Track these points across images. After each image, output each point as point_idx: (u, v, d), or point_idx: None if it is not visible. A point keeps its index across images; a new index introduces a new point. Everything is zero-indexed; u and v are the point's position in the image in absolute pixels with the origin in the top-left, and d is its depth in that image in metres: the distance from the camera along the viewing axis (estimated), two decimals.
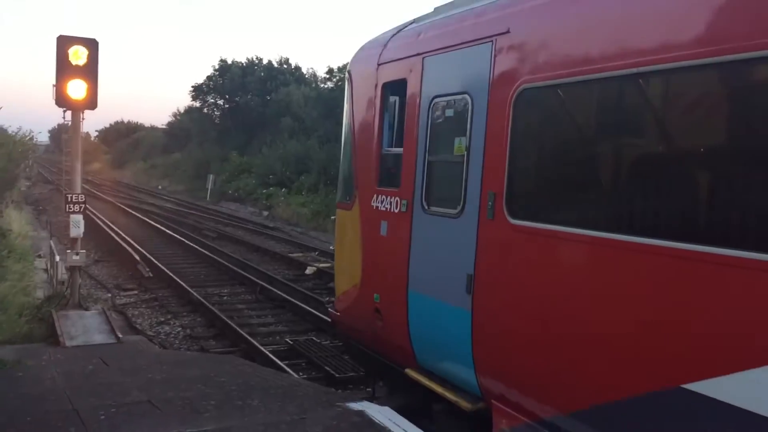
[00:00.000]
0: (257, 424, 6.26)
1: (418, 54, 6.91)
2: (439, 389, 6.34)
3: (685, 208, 4.25)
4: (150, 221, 29.16)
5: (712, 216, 4.09)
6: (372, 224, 7.53)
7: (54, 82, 10.78)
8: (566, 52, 5.06)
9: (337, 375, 9.72)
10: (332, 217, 22.66)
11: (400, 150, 7.14)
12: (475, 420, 5.97)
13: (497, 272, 5.62)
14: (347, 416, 6.51)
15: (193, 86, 55.54)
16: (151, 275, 17.14)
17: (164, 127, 74.51)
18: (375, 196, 7.49)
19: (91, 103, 10.98)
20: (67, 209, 11.14)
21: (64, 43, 10.72)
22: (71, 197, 11.17)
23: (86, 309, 11.38)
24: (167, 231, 25.89)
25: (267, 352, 10.52)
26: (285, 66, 53.01)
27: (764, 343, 3.64)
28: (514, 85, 5.44)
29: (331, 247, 18.96)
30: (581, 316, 4.79)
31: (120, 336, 10.10)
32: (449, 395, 6.19)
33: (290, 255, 20.98)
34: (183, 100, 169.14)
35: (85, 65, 10.78)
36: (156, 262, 18.49)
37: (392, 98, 7.61)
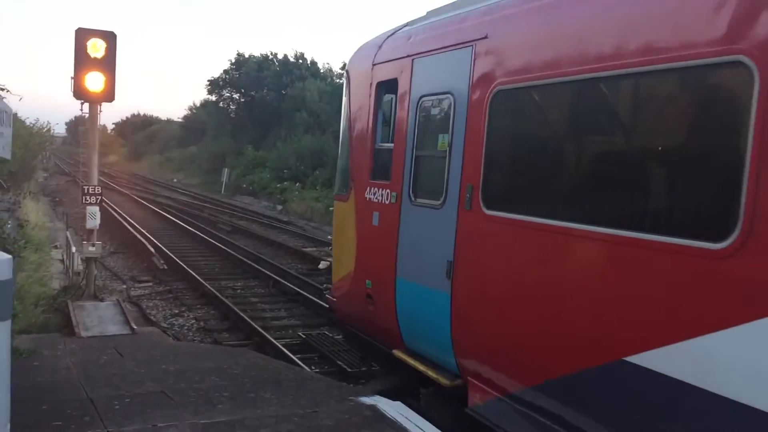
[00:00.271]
0: (270, 416, 6.29)
1: (408, 56, 7.41)
2: (422, 368, 6.88)
3: (620, 199, 4.78)
4: (165, 214, 29.33)
5: (642, 206, 4.63)
6: (365, 215, 8.04)
7: (72, 75, 10.86)
8: (534, 58, 5.56)
9: (349, 369, 9.73)
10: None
11: (391, 145, 7.62)
12: (458, 401, 6.44)
13: (473, 258, 6.12)
14: (359, 410, 6.53)
15: (209, 80, 55.80)
16: (165, 267, 17.26)
17: (180, 120, 75.00)
18: (368, 188, 8.01)
19: (109, 95, 11.04)
20: (84, 201, 11.22)
21: (82, 35, 10.78)
22: (88, 189, 11.24)
23: (101, 300, 11.46)
24: (182, 224, 26.02)
25: (280, 346, 10.55)
26: (301, 61, 53.07)
27: (684, 319, 4.16)
28: (490, 87, 5.94)
29: None
30: (541, 298, 5.29)
31: (134, 327, 10.17)
32: (431, 373, 6.71)
33: (304, 249, 21.03)
34: (199, 94, 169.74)
35: (104, 58, 10.83)
36: (171, 254, 18.60)
37: (385, 97, 8.04)
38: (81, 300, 11.24)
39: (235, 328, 12.37)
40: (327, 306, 10.09)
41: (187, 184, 52.98)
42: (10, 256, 4.80)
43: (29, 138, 25.66)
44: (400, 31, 8.12)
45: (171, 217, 28.05)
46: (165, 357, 8.55)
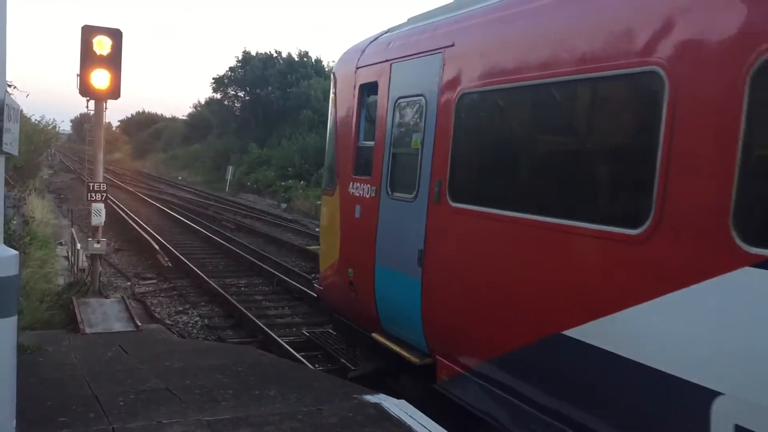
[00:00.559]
0: (274, 413, 6.29)
1: (387, 60, 7.98)
2: (396, 348, 7.44)
3: (559, 192, 5.31)
4: (170, 211, 29.39)
5: (577, 198, 5.15)
6: (349, 208, 8.62)
7: (78, 72, 10.88)
8: (492, 64, 6.08)
9: (353, 367, 9.73)
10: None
11: (372, 143, 8.17)
12: (429, 378, 6.97)
13: (440, 246, 6.67)
14: (363, 408, 6.53)
15: (214, 78, 55.85)
16: (170, 265, 17.29)
17: (185, 118, 74.95)
18: (352, 183, 8.57)
19: (114, 92, 11.07)
20: (89, 198, 11.25)
21: (88, 32, 10.81)
22: (93, 186, 11.27)
23: (106, 297, 11.49)
24: (186, 221, 26.07)
25: (284, 344, 10.57)
26: (305, 59, 53.07)
27: (609, 296, 4.67)
28: (456, 90, 6.48)
29: None
30: (496, 281, 5.83)
31: (139, 324, 10.19)
32: (404, 353, 7.26)
33: (308, 247, 21.02)
34: (204, 92, 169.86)
35: (109, 55, 10.86)
36: (175, 252, 18.63)
37: (368, 98, 8.54)
38: (86, 297, 11.28)
39: (239, 326, 12.40)
40: (315, 295, 10.61)
41: (192, 181, 53.06)
42: (16, 252, 4.80)
43: (34, 134, 25.67)
44: (382, 36, 8.68)
45: (175, 215, 28.10)
46: (169, 354, 8.57)
